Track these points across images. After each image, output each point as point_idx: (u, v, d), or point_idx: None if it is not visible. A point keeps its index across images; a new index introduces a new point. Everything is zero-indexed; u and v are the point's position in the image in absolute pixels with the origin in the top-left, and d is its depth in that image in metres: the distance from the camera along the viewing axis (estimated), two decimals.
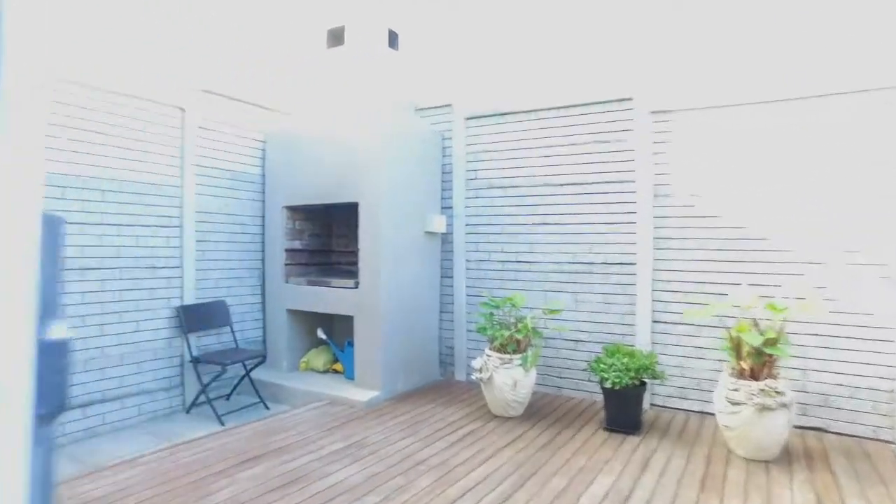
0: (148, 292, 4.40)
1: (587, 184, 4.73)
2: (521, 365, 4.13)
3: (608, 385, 3.88)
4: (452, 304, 5.36)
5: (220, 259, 4.97)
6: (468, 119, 5.25)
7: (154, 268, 4.44)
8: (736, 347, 3.55)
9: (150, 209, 4.39)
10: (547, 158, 4.88)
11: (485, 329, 4.35)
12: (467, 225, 5.28)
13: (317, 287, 5.02)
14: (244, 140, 5.17)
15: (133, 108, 4.27)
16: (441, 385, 5.14)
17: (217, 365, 4.40)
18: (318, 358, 5.33)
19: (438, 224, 5.16)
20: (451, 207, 5.34)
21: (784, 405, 3.32)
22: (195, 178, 4.70)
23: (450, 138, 5.35)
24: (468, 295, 5.29)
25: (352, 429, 3.93)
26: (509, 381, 4.15)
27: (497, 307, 4.44)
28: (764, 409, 3.30)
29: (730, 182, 4.20)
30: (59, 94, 3.86)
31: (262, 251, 5.37)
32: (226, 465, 3.26)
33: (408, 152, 4.88)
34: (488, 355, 4.26)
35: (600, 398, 4.16)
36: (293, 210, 5.30)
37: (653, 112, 4.46)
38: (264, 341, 5.41)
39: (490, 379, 4.19)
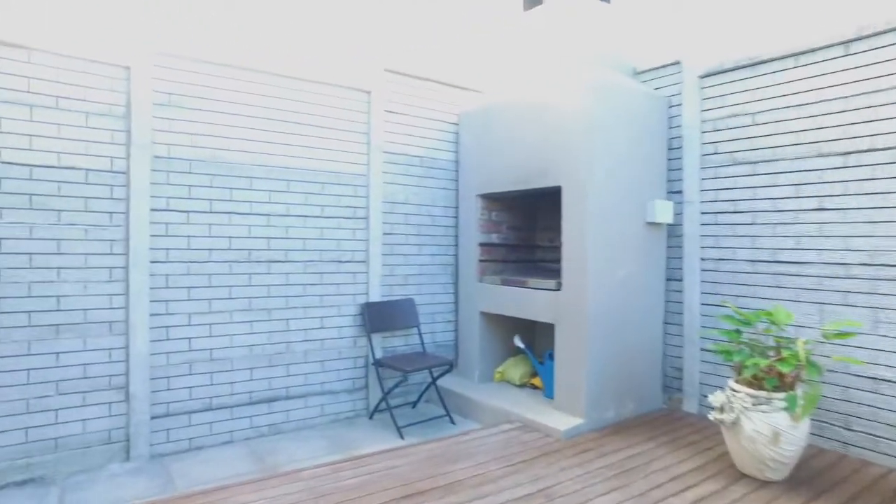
0: (333, 287, 4.14)
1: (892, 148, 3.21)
2: (786, 409, 2.87)
3: None
4: (682, 313, 4.20)
5: (408, 253, 4.56)
6: (703, 77, 4.03)
7: (339, 262, 4.17)
8: None
9: (335, 199, 4.13)
10: (825, 118, 3.46)
11: (729, 353, 3.17)
12: (703, 213, 4.07)
13: (511, 287, 4.31)
14: (433, 123, 4.69)
15: (317, 93, 4.05)
16: (663, 417, 4.02)
17: (398, 371, 3.96)
18: (515, 369, 4.61)
19: (663, 212, 4.05)
20: (679, 192, 4.18)
21: None
22: (382, 166, 4.35)
23: (678, 104, 4.19)
24: (703, 304, 4.08)
25: (543, 467, 3.10)
26: (766, 429, 2.92)
27: (747, 323, 3.22)
28: None
29: None
30: (246, 84, 3.75)
31: (455, 245, 4.84)
32: (384, 499, 2.71)
33: (624, 124, 3.89)
34: (734, 390, 3.07)
35: None
36: (489, 199, 4.66)
37: None
38: (456, 346, 4.88)
39: (736, 423, 3.01)
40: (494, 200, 4.71)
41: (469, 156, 4.68)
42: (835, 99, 3.42)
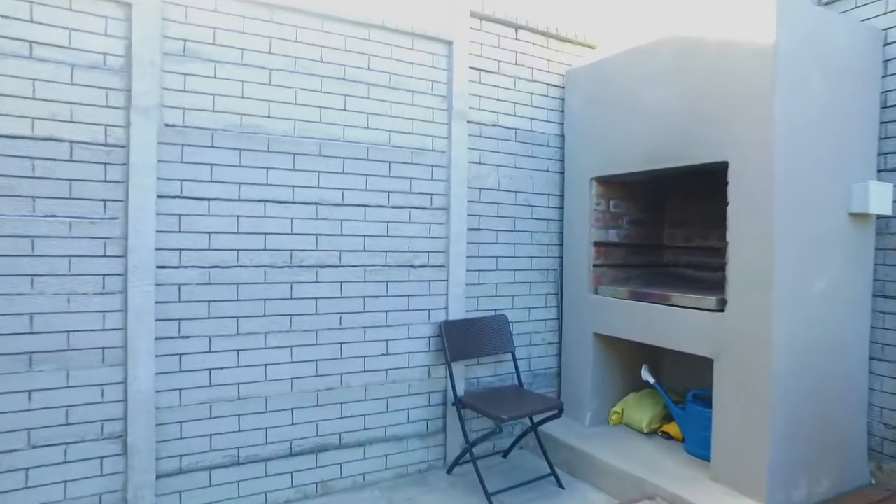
0: (402, 301, 3.13)
1: None
2: None
3: None
4: None
5: (500, 255, 3.48)
6: None
7: (411, 266, 3.15)
8: None
9: (405, 184, 3.12)
10: None
11: None
12: None
13: (643, 304, 3.12)
14: (533, 85, 3.58)
15: (383, 43, 3.04)
16: (872, 501, 2.73)
17: (488, 417, 2.89)
18: (640, 410, 3.43)
19: (879, 199, 2.75)
20: None
21: None
22: (466, 140, 3.29)
23: None
24: None
25: None
26: None
27: None
28: None
29: None
30: (288, 29, 2.80)
31: (560, 245, 3.71)
32: None
33: (818, 73, 2.63)
34: None
35: None
36: (607, 183, 3.50)
37: None
38: (559, 376, 3.74)
39: None
40: (614, 185, 3.54)
41: (579, 127, 3.53)
42: None
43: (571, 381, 3.61)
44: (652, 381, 3.35)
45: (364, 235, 3.00)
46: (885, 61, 2.91)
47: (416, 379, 3.20)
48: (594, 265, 3.47)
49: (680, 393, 3.38)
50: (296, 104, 2.81)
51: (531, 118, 3.55)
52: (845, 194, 2.75)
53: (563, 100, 3.66)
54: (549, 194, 3.64)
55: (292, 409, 2.84)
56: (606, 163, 3.32)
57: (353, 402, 3.00)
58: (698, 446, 3.02)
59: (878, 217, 2.91)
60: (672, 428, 3.29)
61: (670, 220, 3.82)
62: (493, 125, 3.42)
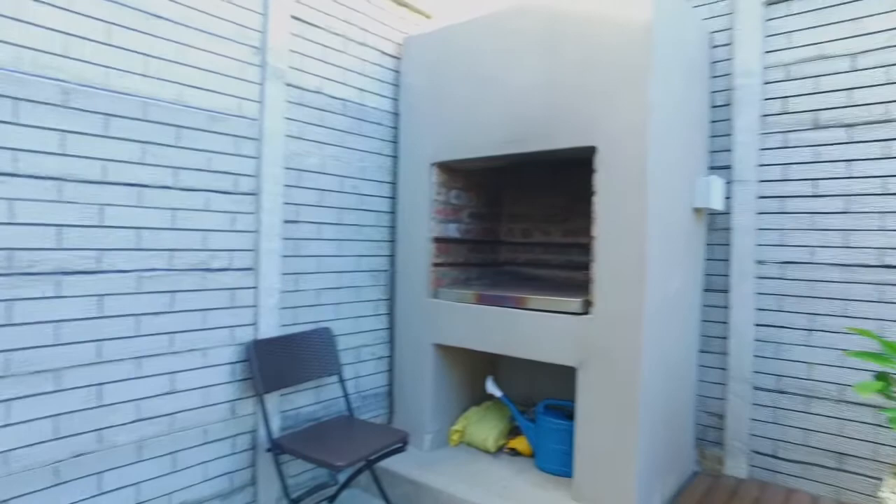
0: (194, 317, 2.28)
1: None
2: None
3: None
4: (725, 337, 2.95)
5: (323, 254, 2.81)
6: (771, 4, 2.82)
7: (207, 270, 2.31)
8: None
9: (200, 159, 2.28)
10: None
11: None
12: (762, 198, 2.86)
13: (498, 308, 2.74)
14: (365, 51, 2.98)
15: None
16: (707, 488, 2.72)
17: (318, 465, 2.22)
18: (484, 426, 3.06)
19: (715, 194, 2.77)
20: (728, 167, 2.94)
21: None
22: (284, 108, 2.56)
23: (726, 44, 2.94)
24: (758, 325, 2.87)
25: None
26: None
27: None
28: None
29: None
30: None
31: (392, 241, 3.17)
32: None
33: (678, 61, 2.53)
34: None
35: None
36: (449, 171, 3.06)
37: None
38: (390, 396, 3.20)
39: None
40: (456, 173, 3.12)
41: (419, 105, 3.03)
42: None
43: (406, 401, 3.10)
44: (499, 394, 3.00)
45: (138, 227, 2.09)
46: (713, 63, 2.97)
47: (216, 421, 2.36)
48: (434, 264, 3.00)
49: (526, 405, 3.10)
50: (20, 22, 1.80)
51: (362, 90, 2.95)
52: (690, 189, 2.71)
53: (398, 72, 3.13)
54: (380, 181, 3.08)
55: (9, 501, 1.81)
56: (451, 146, 2.88)
57: (119, 467, 2.07)
58: (551, 461, 2.75)
59: (710, 214, 2.97)
60: (520, 443, 2.98)
61: (508, 214, 3.54)
62: (318, 93, 2.74)
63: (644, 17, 2.26)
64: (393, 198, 3.13)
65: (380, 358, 3.14)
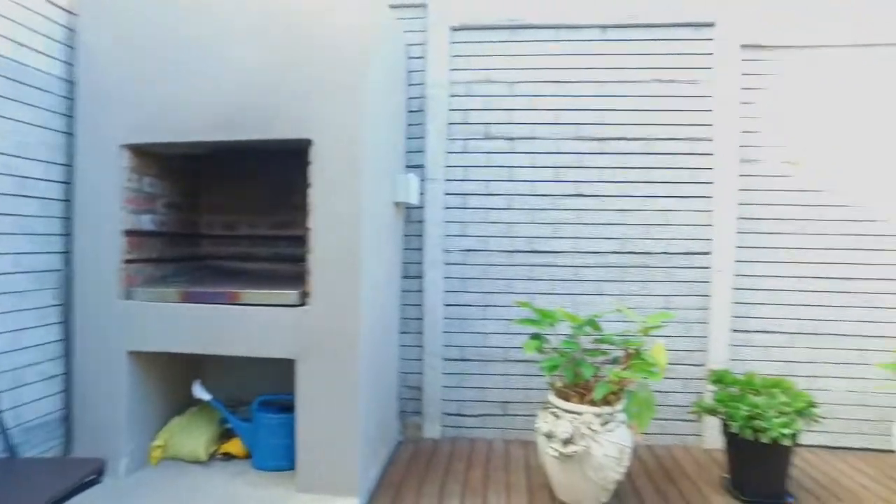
0: None
1: (646, 139, 3.22)
2: (631, 421, 2.44)
3: (753, 437, 2.48)
4: (421, 318, 3.36)
5: None
6: (456, 30, 3.28)
7: None
8: None
9: None
10: (585, 100, 3.23)
11: (554, 366, 2.53)
12: (448, 195, 3.33)
13: (206, 306, 2.53)
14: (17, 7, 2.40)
15: None
16: (411, 454, 3.11)
17: None
18: (192, 435, 2.82)
19: (412, 190, 3.11)
20: (421, 166, 3.32)
21: None
22: None
23: (420, 57, 3.31)
24: (447, 304, 3.35)
25: None
26: (614, 450, 2.42)
27: (550, 324, 2.66)
28: None
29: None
30: None
31: (67, 234, 2.63)
32: None
33: (385, 64, 2.75)
34: (574, 412, 2.45)
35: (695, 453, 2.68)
36: (142, 154, 2.69)
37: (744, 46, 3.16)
38: (67, 420, 2.68)
39: (586, 453, 2.40)
40: (151, 158, 2.76)
41: (105, 75, 2.56)
42: (591, 82, 3.23)
43: (91, 423, 2.63)
44: (208, 397, 2.81)
45: None
46: (410, 72, 3.32)
47: None
48: (126, 261, 2.62)
49: (238, 405, 2.97)
50: None
51: (21, 44, 2.37)
52: (391, 185, 2.98)
53: (73, 31, 2.60)
54: (49, 162, 2.53)
55: None
56: (148, 127, 2.54)
57: None
58: (270, 458, 2.72)
59: (407, 208, 3.31)
60: (233, 446, 2.85)
61: (208, 205, 3.30)
62: None
63: (361, 20, 2.39)
64: (68, 183, 2.61)
65: (51, 378, 2.60)
